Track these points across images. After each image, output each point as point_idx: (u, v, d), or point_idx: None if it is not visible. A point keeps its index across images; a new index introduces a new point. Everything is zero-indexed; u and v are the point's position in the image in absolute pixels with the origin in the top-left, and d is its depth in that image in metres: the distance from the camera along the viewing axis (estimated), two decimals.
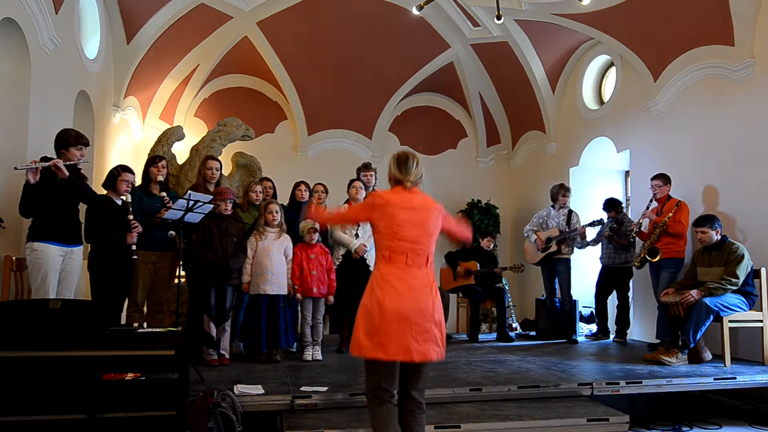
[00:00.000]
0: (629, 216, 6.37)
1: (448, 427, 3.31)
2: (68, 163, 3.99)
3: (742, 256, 4.69)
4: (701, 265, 4.96)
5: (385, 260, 2.72)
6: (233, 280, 4.65)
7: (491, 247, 7.08)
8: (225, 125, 6.28)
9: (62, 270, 4.06)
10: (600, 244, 6.30)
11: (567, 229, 6.28)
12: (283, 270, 4.77)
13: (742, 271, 4.66)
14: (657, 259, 5.39)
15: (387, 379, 2.65)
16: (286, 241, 4.87)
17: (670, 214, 5.36)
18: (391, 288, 2.62)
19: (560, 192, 6.49)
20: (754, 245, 4.94)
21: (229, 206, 4.66)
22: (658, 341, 5.10)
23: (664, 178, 5.58)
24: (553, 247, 6.31)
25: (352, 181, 5.50)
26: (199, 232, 4.56)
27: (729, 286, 4.64)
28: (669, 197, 5.55)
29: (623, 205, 6.53)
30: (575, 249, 6.42)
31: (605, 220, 6.14)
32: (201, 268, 4.56)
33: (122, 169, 4.40)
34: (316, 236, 4.90)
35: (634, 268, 5.82)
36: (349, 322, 5.39)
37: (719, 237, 4.87)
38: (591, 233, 6.26)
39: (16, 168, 3.82)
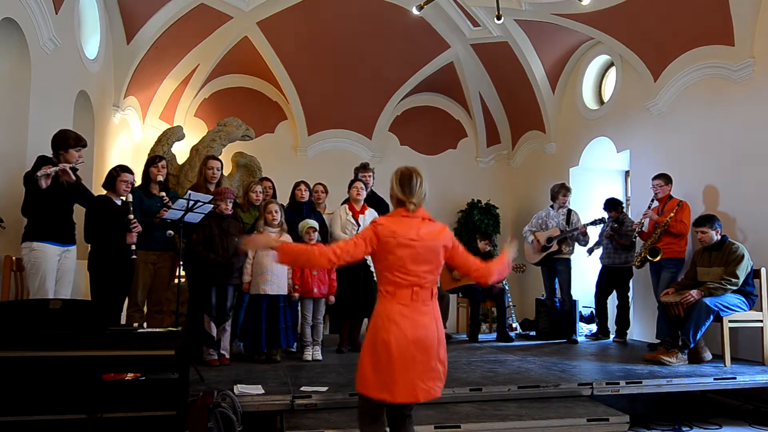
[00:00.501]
0: (629, 216, 6.37)
1: (448, 427, 3.31)
2: (68, 165, 4.00)
3: (742, 256, 4.69)
4: (701, 265, 4.96)
5: (389, 296, 2.55)
6: (234, 280, 4.65)
7: (487, 249, 6.98)
8: (225, 125, 6.29)
9: (58, 269, 4.07)
10: (601, 247, 6.29)
11: (567, 228, 6.29)
12: (284, 270, 4.76)
13: (742, 271, 4.66)
14: (658, 258, 5.39)
15: (383, 412, 2.61)
16: (287, 241, 4.86)
17: (672, 214, 5.36)
18: (397, 328, 2.48)
19: (561, 191, 6.48)
20: (754, 245, 4.94)
21: (230, 206, 4.66)
22: (658, 341, 5.10)
23: (665, 178, 5.58)
24: (554, 247, 6.31)
25: (352, 181, 5.50)
26: (200, 231, 4.56)
27: (729, 286, 4.64)
28: (670, 197, 5.55)
29: (623, 205, 6.53)
30: (575, 249, 6.42)
31: (606, 219, 6.14)
32: (201, 268, 4.56)
33: (121, 170, 4.40)
34: (315, 235, 4.89)
35: (634, 267, 5.82)
36: (348, 323, 5.39)
37: (719, 237, 4.87)
38: (592, 232, 6.26)
39: (35, 174, 3.83)
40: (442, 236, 2.62)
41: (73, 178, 4.00)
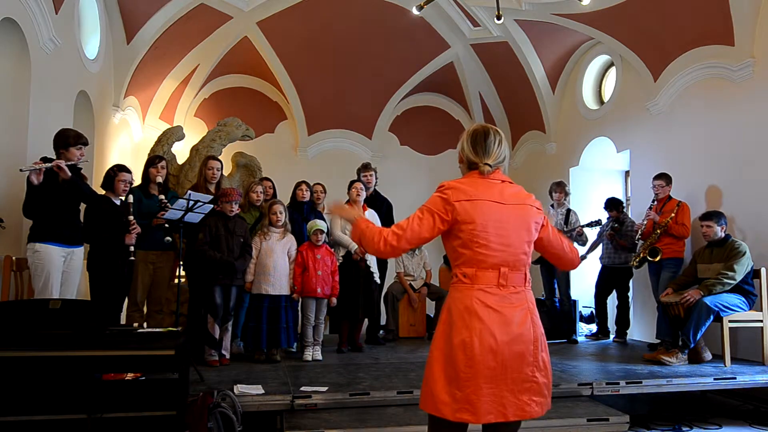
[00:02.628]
0: (630, 216, 6.36)
1: None
2: (68, 163, 3.99)
3: (744, 253, 4.69)
4: (701, 262, 4.96)
5: (468, 280, 1.97)
6: (238, 281, 4.64)
7: None
8: (225, 125, 6.29)
9: (64, 270, 4.07)
10: (600, 245, 6.30)
11: (565, 229, 6.28)
12: (286, 271, 4.77)
13: (741, 267, 4.65)
14: (658, 258, 5.39)
15: None
16: (290, 241, 4.86)
17: (672, 215, 5.35)
18: (481, 323, 1.92)
19: (552, 188, 6.52)
20: (754, 245, 4.94)
21: (235, 207, 4.66)
22: (658, 341, 5.10)
23: (666, 178, 5.57)
24: None
25: (352, 182, 5.50)
26: (206, 231, 4.54)
27: (726, 280, 4.62)
28: (669, 197, 5.55)
29: (624, 205, 6.53)
30: (589, 255, 6.40)
31: (603, 221, 6.14)
32: (206, 268, 4.55)
33: (118, 169, 4.40)
34: (323, 237, 4.90)
35: (633, 267, 5.81)
36: (348, 324, 5.38)
37: (723, 234, 4.87)
38: (589, 234, 6.26)
39: (21, 170, 3.82)
40: (531, 200, 2.09)
41: (69, 174, 3.95)
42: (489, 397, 1.90)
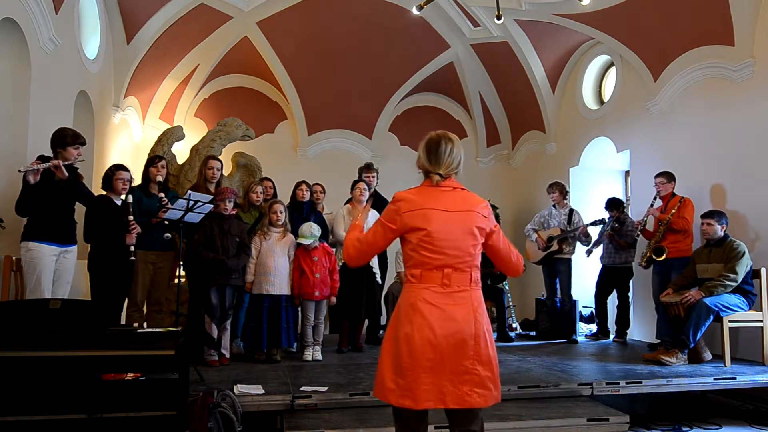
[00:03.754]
0: (630, 216, 6.36)
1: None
2: (66, 162, 3.98)
3: (743, 254, 4.69)
4: (700, 262, 4.96)
5: (415, 280, 2.16)
6: (233, 281, 4.63)
7: None
8: (225, 125, 6.29)
9: (56, 269, 4.07)
10: (601, 246, 6.29)
11: (568, 228, 6.29)
12: (286, 270, 4.77)
13: (742, 268, 4.65)
14: (663, 257, 5.36)
15: (419, 427, 2.22)
16: (290, 241, 4.86)
17: (674, 211, 5.34)
18: (421, 318, 2.09)
19: (548, 189, 6.56)
20: (754, 245, 4.94)
21: (229, 205, 4.65)
22: (658, 341, 5.09)
23: (668, 176, 5.56)
24: (555, 246, 6.31)
25: (355, 182, 5.50)
26: (201, 232, 4.56)
27: (728, 282, 4.63)
28: (673, 194, 5.54)
29: (625, 204, 6.54)
30: (577, 248, 6.42)
31: (607, 220, 6.15)
32: (202, 269, 4.56)
33: (116, 168, 4.40)
34: (310, 245, 4.87)
35: (641, 267, 5.73)
36: (348, 324, 5.38)
37: (723, 233, 4.87)
38: (593, 232, 6.26)
39: (19, 170, 3.82)
40: (480, 207, 2.23)
41: (66, 174, 3.95)
42: (428, 386, 2.07)
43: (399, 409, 2.15)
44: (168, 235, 4.55)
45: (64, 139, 4.05)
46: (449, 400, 2.09)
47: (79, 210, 4.31)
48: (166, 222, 4.52)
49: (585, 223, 6.21)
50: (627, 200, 7.27)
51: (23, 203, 3.96)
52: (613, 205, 6.15)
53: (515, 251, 2.34)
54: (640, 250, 5.82)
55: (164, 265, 4.86)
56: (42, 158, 3.97)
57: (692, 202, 5.41)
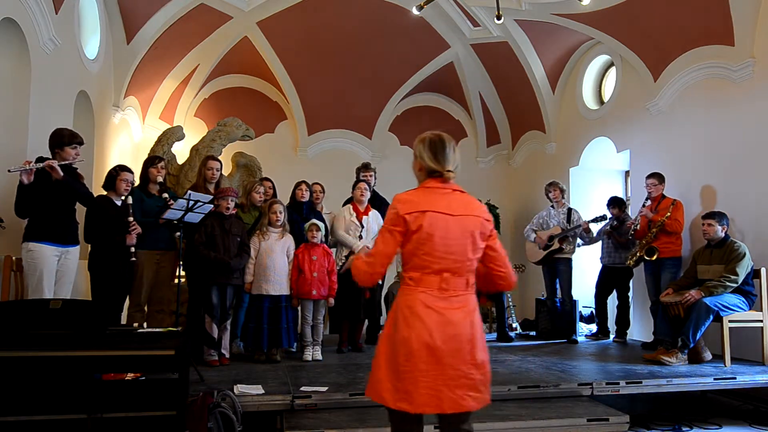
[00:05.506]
0: (630, 216, 6.36)
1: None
2: (63, 162, 3.98)
3: (744, 255, 4.70)
4: (701, 263, 4.97)
5: (413, 283, 2.15)
6: (235, 280, 4.64)
7: None
8: (225, 125, 6.29)
9: (58, 270, 4.06)
10: (600, 243, 6.30)
11: (568, 227, 6.29)
12: (285, 270, 4.78)
13: (743, 270, 4.66)
14: (655, 257, 5.40)
15: (414, 430, 2.21)
16: (289, 241, 4.87)
17: (669, 213, 5.36)
18: (420, 322, 2.09)
19: (546, 189, 6.58)
20: (753, 245, 4.94)
21: (231, 204, 4.65)
22: (651, 340, 5.10)
23: (659, 177, 5.62)
24: (555, 245, 6.31)
25: (356, 182, 5.50)
26: (202, 231, 4.55)
27: (729, 284, 4.63)
28: (663, 196, 5.57)
29: (627, 204, 6.54)
30: (577, 248, 6.42)
31: (608, 217, 6.16)
32: (203, 268, 4.55)
33: (120, 169, 4.41)
34: (319, 235, 4.89)
35: (628, 265, 5.79)
36: (348, 324, 5.38)
37: (724, 234, 4.87)
38: (594, 228, 6.27)
39: (9, 170, 3.82)
40: (480, 211, 2.22)
41: (61, 174, 3.93)
42: (426, 390, 2.06)
43: (395, 411, 2.13)
44: (179, 233, 4.54)
45: (61, 140, 4.05)
46: (446, 406, 2.09)
47: (80, 210, 4.31)
48: (174, 222, 4.52)
49: (585, 219, 6.21)
50: (627, 200, 7.27)
51: (20, 204, 3.96)
52: (616, 203, 6.16)
53: (509, 264, 2.34)
54: (631, 249, 5.84)
55: (166, 265, 4.85)
56: (40, 159, 3.97)
57: (683, 205, 5.46)
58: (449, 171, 2.18)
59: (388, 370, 2.12)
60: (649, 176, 5.64)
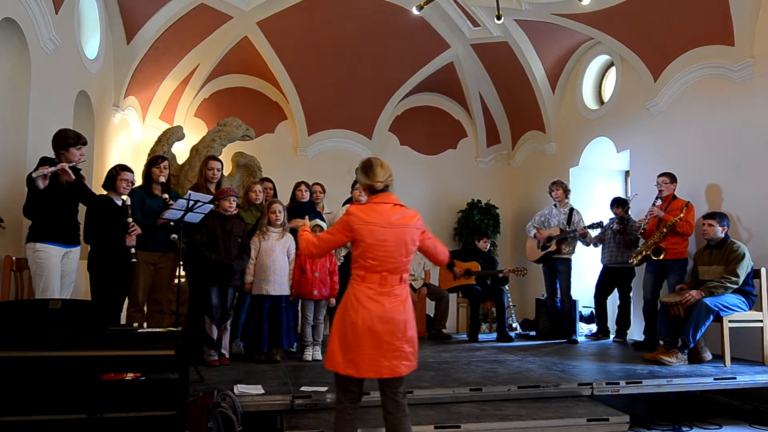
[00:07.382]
0: (631, 216, 6.35)
1: (448, 427, 3.31)
2: (69, 164, 3.99)
3: (743, 255, 4.70)
4: (701, 264, 4.97)
5: (359, 279, 2.76)
6: (235, 281, 4.63)
7: (488, 248, 7.09)
8: (225, 125, 6.29)
9: (62, 270, 4.07)
10: (601, 245, 6.29)
11: (567, 229, 6.29)
12: (286, 270, 4.77)
13: (743, 270, 4.66)
14: (661, 257, 5.35)
15: (355, 389, 2.77)
16: (289, 241, 4.86)
17: (681, 215, 5.31)
18: (364, 309, 2.68)
19: (550, 188, 6.55)
20: (753, 245, 4.94)
21: (233, 203, 4.65)
22: (642, 339, 5.08)
23: (671, 176, 5.54)
24: (553, 247, 6.30)
25: (355, 182, 5.50)
26: (203, 232, 4.54)
27: (729, 285, 4.64)
28: (674, 197, 5.52)
29: (629, 204, 6.52)
30: (577, 248, 6.41)
31: (605, 223, 6.15)
32: (203, 269, 4.55)
33: (121, 169, 4.40)
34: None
35: (633, 264, 5.76)
36: None
37: (723, 235, 4.87)
38: (592, 235, 6.26)
39: (32, 176, 3.82)
40: (414, 222, 2.81)
41: (73, 177, 3.98)
42: (368, 360, 2.67)
43: (342, 376, 2.72)
44: (174, 236, 4.54)
45: (67, 141, 4.05)
46: (384, 372, 2.68)
47: (81, 211, 4.31)
48: (171, 223, 4.52)
49: (584, 224, 6.20)
50: (628, 200, 7.26)
51: (32, 207, 3.96)
52: (619, 203, 6.15)
53: (440, 246, 2.97)
54: (635, 247, 5.82)
55: (165, 266, 4.85)
56: (46, 160, 3.97)
57: (694, 207, 5.40)
58: (379, 182, 2.79)
59: (340, 345, 2.72)
60: (661, 175, 5.57)
